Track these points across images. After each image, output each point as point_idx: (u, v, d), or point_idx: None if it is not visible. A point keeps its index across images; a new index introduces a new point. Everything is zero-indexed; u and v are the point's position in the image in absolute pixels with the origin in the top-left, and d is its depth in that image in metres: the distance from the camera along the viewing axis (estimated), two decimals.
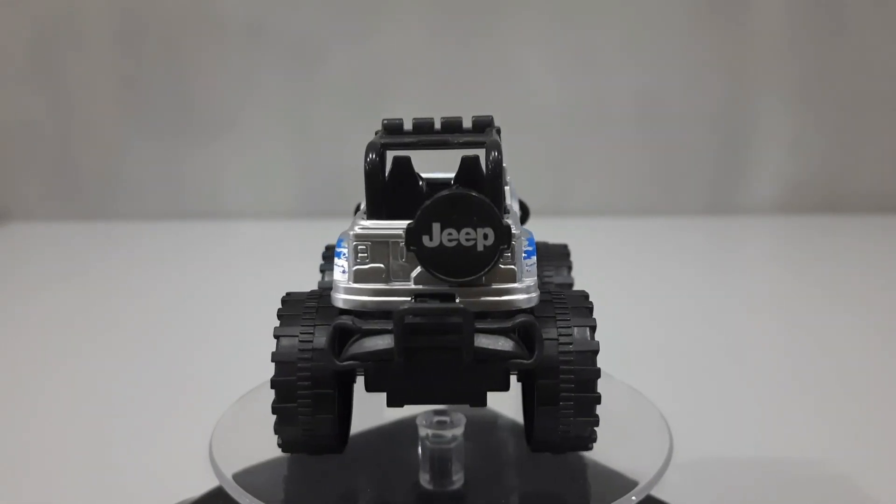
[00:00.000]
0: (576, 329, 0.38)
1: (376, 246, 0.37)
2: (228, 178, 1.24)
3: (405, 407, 0.40)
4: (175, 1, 1.18)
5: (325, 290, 0.45)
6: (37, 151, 1.23)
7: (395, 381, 0.38)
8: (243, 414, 0.49)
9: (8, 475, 0.57)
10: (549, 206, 1.21)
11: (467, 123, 0.40)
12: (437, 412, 0.45)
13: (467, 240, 0.35)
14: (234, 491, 0.41)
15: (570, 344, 0.38)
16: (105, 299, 0.93)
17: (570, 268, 0.49)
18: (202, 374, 0.73)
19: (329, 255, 0.50)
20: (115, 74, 1.20)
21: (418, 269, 0.36)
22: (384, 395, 0.39)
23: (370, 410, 0.47)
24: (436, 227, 0.35)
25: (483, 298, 0.36)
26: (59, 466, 0.58)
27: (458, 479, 0.44)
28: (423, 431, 0.44)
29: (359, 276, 0.37)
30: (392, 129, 0.40)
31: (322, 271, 0.49)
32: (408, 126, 0.40)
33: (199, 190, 1.24)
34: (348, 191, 0.49)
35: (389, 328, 0.35)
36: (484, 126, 0.40)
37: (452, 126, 0.40)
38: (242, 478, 0.42)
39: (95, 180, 1.24)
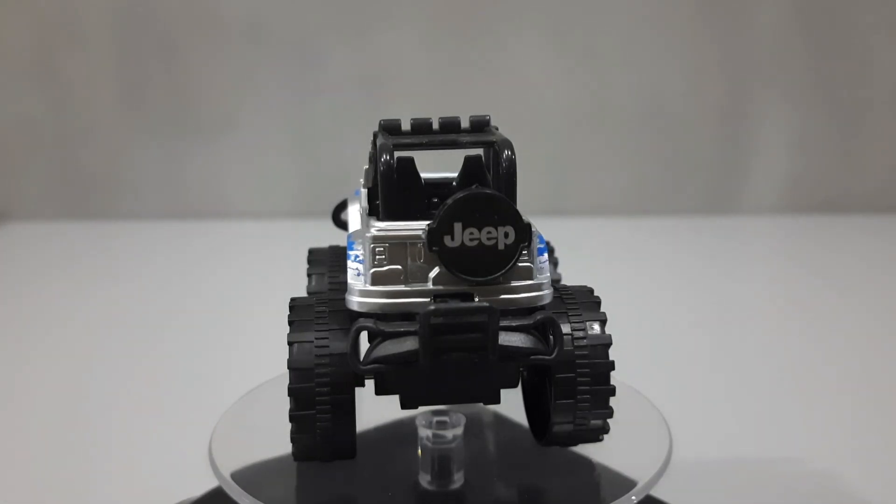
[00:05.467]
0: (588, 323, 0.38)
1: (394, 248, 0.36)
2: (229, 178, 1.23)
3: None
4: (175, 1, 1.18)
5: (317, 293, 0.44)
6: (37, 151, 1.23)
7: (411, 382, 0.38)
8: (243, 414, 0.49)
9: (7, 474, 0.57)
10: (548, 206, 1.21)
11: (464, 123, 0.40)
12: (436, 412, 0.45)
13: (489, 239, 0.35)
14: (234, 491, 0.41)
15: (584, 339, 0.38)
16: (105, 299, 0.93)
17: (556, 263, 0.49)
18: (202, 374, 0.73)
19: (313, 258, 0.49)
20: (115, 74, 1.20)
21: (437, 269, 0.36)
22: (382, 395, 0.39)
23: (369, 410, 0.47)
24: (457, 226, 0.35)
25: (502, 297, 0.36)
26: (58, 466, 0.58)
27: (458, 479, 0.44)
28: (423, 431, 0.44)
29: (377, 279, 0.36)
30: (391, 129, 0.40)
31: (309, 275, 0.48)
32: (405, 126, 0.40)
33: (200, 190, 1.24)
34: (348, 191, 0.49)
35: (412, 330, 0.35)
36: (482, 125, 0.40)
37: (451, 126, 0.40)
38: (242, 478, 0.42)
39: (95, 180, 1.23)
